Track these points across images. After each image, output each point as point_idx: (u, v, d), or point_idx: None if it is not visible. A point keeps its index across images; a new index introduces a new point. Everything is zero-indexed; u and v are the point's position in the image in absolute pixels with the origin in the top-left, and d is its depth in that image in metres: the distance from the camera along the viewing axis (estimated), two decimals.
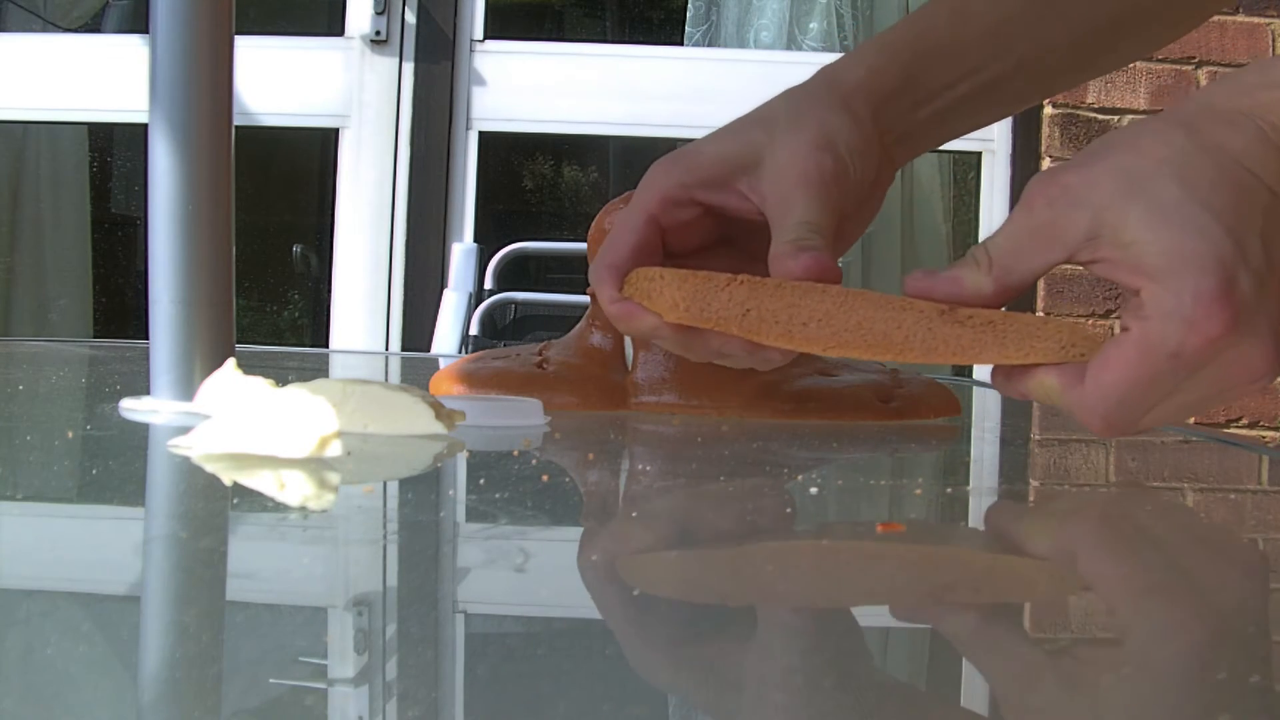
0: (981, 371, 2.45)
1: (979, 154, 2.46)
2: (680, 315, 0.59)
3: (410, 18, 2.46)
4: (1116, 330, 0.54)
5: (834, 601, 0.38)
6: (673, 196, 0.66)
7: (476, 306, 2.34)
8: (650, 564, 0.41)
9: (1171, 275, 0.52)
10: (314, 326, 3.34)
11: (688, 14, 2.71)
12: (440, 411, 0.60)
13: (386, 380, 0.81)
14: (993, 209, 2.45)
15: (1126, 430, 0.55)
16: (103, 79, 2.45)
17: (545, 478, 0.55)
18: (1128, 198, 0.53)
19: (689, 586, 0.39)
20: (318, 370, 1.22)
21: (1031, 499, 0.60)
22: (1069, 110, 2.32)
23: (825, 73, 0.69)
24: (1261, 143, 0.53)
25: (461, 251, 2.41)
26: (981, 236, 1.55)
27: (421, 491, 0.53)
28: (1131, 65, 2.31)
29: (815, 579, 0.40)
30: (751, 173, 0.66)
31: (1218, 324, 0.51)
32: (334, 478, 0.50)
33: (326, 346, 2.50)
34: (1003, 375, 0.58)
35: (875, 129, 0.67)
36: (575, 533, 0.47)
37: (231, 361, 0.63)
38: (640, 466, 0.63)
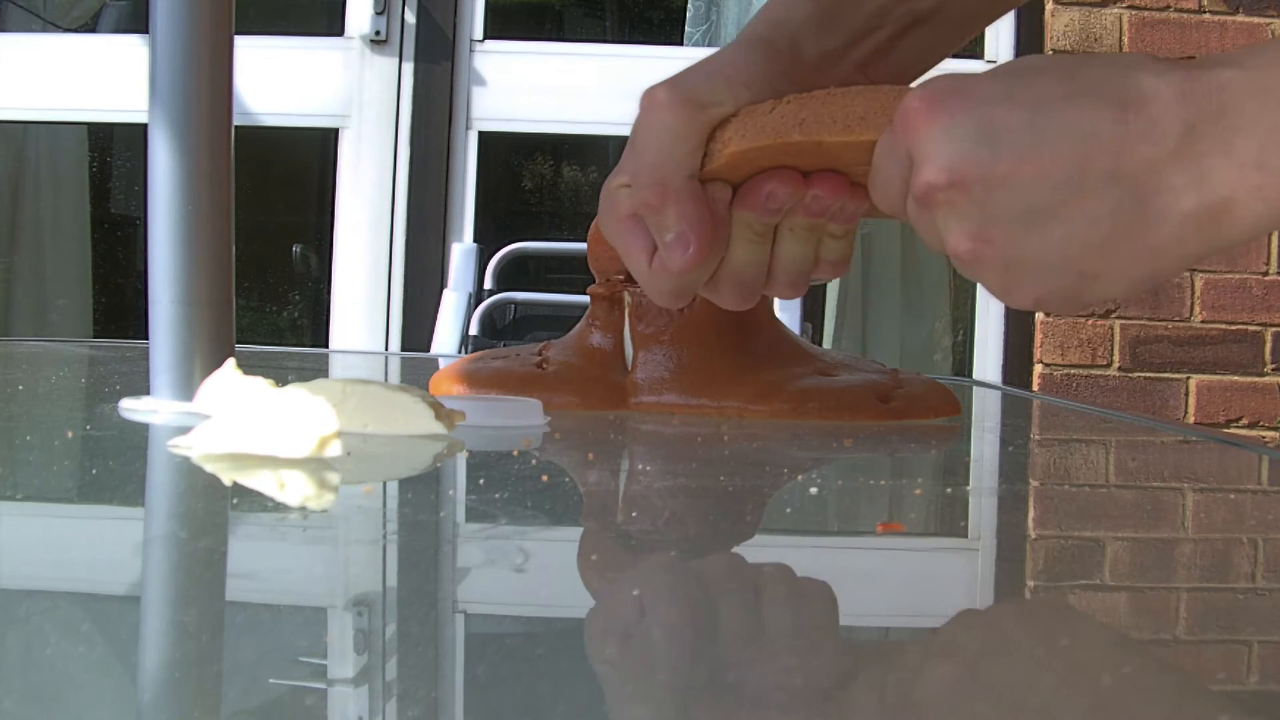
0: (982, 372, 2.45)
1: None
2: (739, 144, 0.59)
3: (410, 18, 2.46)
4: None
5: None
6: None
7: (476, 306, 2.34)
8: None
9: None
10: (314, 326, 3.34)
11: (688, 14, 2.71)
12: (440, 411, 0.60)
13: (386, 380, 0.81)
14: None
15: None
16: (102, 79, 2.45)
17: (545, 478, 0.55)
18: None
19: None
20: (318, 370, 1.22)
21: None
22: None
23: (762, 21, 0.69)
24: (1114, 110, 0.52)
25: (461, 251, 2.42)
26: None
27: (421, 491, 0.53)
28: None
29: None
30: None
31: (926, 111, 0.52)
32: (334, 478, 0.50)
33: (326, 346, 2.50)
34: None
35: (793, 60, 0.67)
36: (575, 533, 0.47)
37: (231, 361, 0.63)
38: (640, 466, 0.63)
